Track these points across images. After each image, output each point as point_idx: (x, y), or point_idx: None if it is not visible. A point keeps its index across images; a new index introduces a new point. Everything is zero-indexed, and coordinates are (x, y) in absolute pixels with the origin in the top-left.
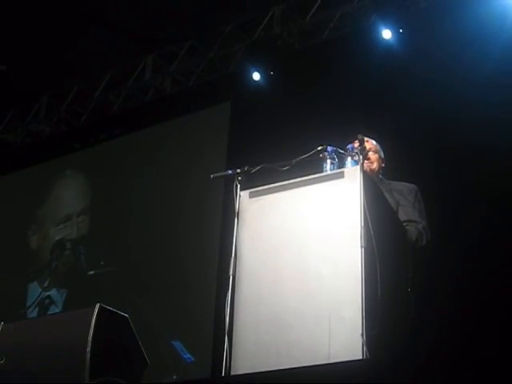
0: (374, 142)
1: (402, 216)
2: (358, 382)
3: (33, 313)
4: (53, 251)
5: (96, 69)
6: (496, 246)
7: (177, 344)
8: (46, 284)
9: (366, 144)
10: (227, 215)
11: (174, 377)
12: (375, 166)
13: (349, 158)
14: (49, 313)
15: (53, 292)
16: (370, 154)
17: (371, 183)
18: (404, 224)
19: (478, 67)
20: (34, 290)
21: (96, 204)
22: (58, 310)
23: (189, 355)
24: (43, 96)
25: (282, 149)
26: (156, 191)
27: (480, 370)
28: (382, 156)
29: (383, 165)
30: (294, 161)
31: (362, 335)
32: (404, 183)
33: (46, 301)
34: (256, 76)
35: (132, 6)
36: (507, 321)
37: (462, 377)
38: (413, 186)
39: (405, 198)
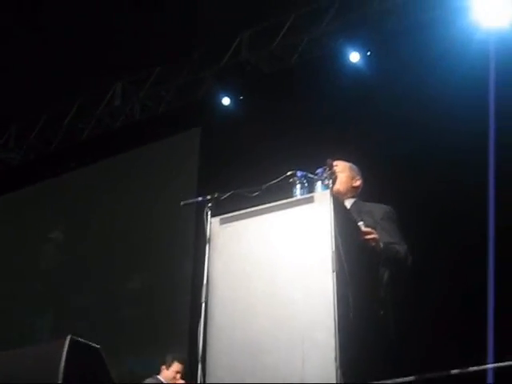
0: (340, 163)
1: (385, 237)
2: None
3: None
4: None
5: (65, 96)
6: (473, 266)
7: None
8: None
9: (335, 168)
10: (198, 242)
11: None
12: (338, 186)
13: (319, 183)
14: None
15: None
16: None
17: (341, 207)
18: (388, 245)
19: (444, 89)
20: None
21: (66, 231)
22: None
23: None
24: (12, 124)
25: (252, 174)
26: (126, 218)
27: None
28: (355, 176)
29: (355, 184)
30: (263, 186)
31: (336, 359)
32: (380, 205)
33: None
34: (226, 101)
35: (101, 33)
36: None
37: None
38: (388, 207)
39: (383, 220)
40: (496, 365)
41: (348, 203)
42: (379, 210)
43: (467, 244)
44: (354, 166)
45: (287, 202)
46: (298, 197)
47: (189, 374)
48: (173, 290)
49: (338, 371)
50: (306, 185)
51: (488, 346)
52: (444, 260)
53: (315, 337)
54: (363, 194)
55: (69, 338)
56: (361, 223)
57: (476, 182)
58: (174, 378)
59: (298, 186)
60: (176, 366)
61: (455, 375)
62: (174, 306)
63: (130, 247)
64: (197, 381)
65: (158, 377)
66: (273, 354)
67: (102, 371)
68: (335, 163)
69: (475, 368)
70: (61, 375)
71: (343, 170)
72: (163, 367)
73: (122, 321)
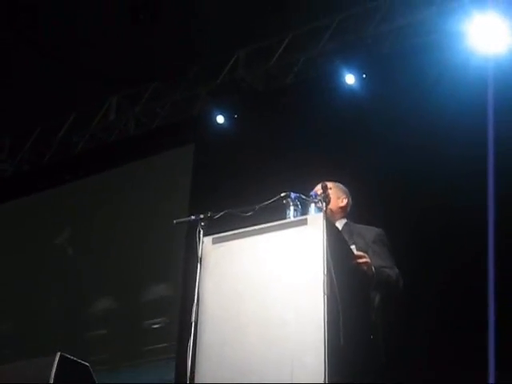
0: (334, 185)
1: (376, 261)
2: None
3: None
4: None
5: (60, 109)
6: (467, 289)
7: None
8: None
9: (328, 190)
10: (190, 261)
11: None
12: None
13: (312, 205)
14: None
15: None
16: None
17: (334, 230)
18: (380, 269)
19: (440, 113)
20: None
21: (57, 245)
22: None
23: None
24: (6, 136)
25: (246, 193)
26: (117, 234)
27: None
28: (340, 195)
29: (342, 204)
30: (257, 207)
31: (325, 382)
32: (371, 227)
33: None
34: (220, 119)
35: (97, 48)
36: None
37: None
38: (380, 230)
39: (374, 243)
40: None
41: (339, 224)
42: (371, 232)
43: (460, 267)
44: (341, 186)
45: (280, 224)
46: (292, 218)
47: None
48: (162, 309)
49: None
50: (300, 206)
51: (489, 372)
52: (436, 283)
53: (305, 359)
54: (354, 216)
55: (58, 354)
56: (353, 247)
57: (471, 207)
58: None
59: (292, 208)
60: None
61: None
62: (163, 326)
63: (119, 263)
64: None
65: None
66: (262, 374)
67: None
68: (329, 185)
69: None
70: None
71: (334, 193)
72: None
73: (105, 339)
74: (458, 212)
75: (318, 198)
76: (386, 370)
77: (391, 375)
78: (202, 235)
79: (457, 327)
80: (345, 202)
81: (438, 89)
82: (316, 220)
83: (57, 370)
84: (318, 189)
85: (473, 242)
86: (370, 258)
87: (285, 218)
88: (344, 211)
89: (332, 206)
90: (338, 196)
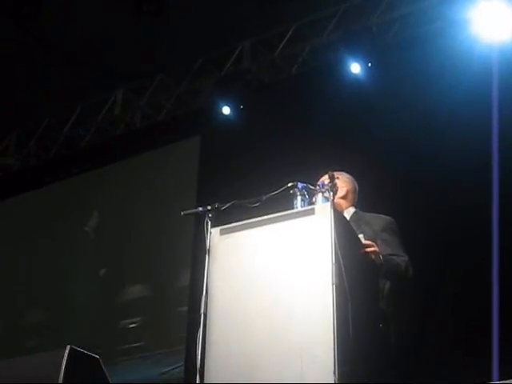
0: (341, 173)
1: (385, 249)
2: None
3: None
4: None
5: (66, 103)
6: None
7: None
8: None
9: (336, 180)
10: (198, 252)
11: None
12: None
13: (319, 195)
14: None
15: None
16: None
17: (342, 220)
18: (388, 257)
19: (445, 100)
20: None
21: (62, 240)
22: None
23: None
24: (12, 131)
25: (253, 184)
26: (125, 227)
27: None
28: (352, 187)
29: (353, 195)
30: (264, 197)
31: (334, 373)
32: (380, 215)
33: None
34: (226, 110)
35: (102, 41)
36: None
37: None
38: (389, 218)
39: (383, 231)
40: (502, 382)
41: (348, 213)
42: (380, 221)
43: (471, 254)
44: (351, 177)
45: (288, 214)
46: (299, 208)
47: None
48: (170, 300)
49: None
50: (307, 196)
51: (493, 362)
52: (447, 270)
53: (314, 350)
54: (363, 205)
55: (68, 347)
56: (361, 235)
57: (478, 193)
58: None
59: (299, 198)
60: None
61: None
62: (171, 317)
63: (128, 256)
64: None
65: None
66: (271, 366)
67: (102, 381)
68: (336, 175)
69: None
70: None
71: (341, 181)
72: None
73: (119, 330)
74: (465, 197)
75: (326, 187)
76: (396, 360)
77: (403, 364)
78: (209, 226)
79: (471, 317)
80: (344, 190)
81: (443, 77)
82: (323, 209)
83: (67, 362)
84: (325, 178)
85: (486, 228)
86: (379, 247)
87: (292, 208)
88: (354, 201)
89: (343, 196)
90: (348, 187)
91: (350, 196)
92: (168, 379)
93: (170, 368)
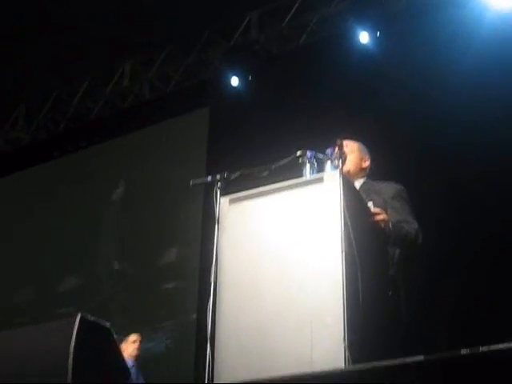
0: (349, 143)
1: (395, 216)
2: None
3: None
4: None
5: (74, 76)
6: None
7: None
8: None
9: (344, 148)
10: (207, 221)
11: None
12: (348, 167)
13: (328, 163)
14: None
15: None
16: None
17: (351, 188)
18: (398, 224)
19: (454, 69)
20: None
21: (73, 211)
22: None
23: None
24: (21, 104)
25: (262, 153)
26: (135, 198)
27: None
28: (363, 156)
29: (365, 165)
30: (273, 166)
31: (344, 340)
32: (391, 183)
33: None
34: (234, 81)
35: (110, 13)
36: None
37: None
38: (399, 185)
39: (393, 199)
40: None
41: (358, 183)
42: (390, 188)
43: (484, 220)
44: (363, 147)
45: (296, 182)
46: (308, 177)
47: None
48: (180, 269)
49: (347, 352)
50: (316, 165)
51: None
52: (461, 238)
53: (324, 317)
54: (373, 174)
55: (79, 316)
56: (370, 204)
57: (488, 156)
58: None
59: (308, 166)
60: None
61: (466, 355)
62: (181, 287)
63: (138, 227)
64: (205, 360)
65: None
66: (281, 334)
67: (113, 350)
68: (345, 143)
69: (485, 349)
70: (71, 354)
71: (353, 151)
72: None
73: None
74: (474, 165)
75: (334, 155)
76: (406, 326)
77: (410, 331)
78: (218, 196)
79: (482, 284)
80: (367, 163)
81: (453, 45)
82: (332, 177)
83: (77, 331)
84: (334, 146)
85: (499, 192)
86: (389, 215)
87: (301, 177)
88: (365, 172)
89: (355, 166)
90: (361, 157)
91: (361, 164)
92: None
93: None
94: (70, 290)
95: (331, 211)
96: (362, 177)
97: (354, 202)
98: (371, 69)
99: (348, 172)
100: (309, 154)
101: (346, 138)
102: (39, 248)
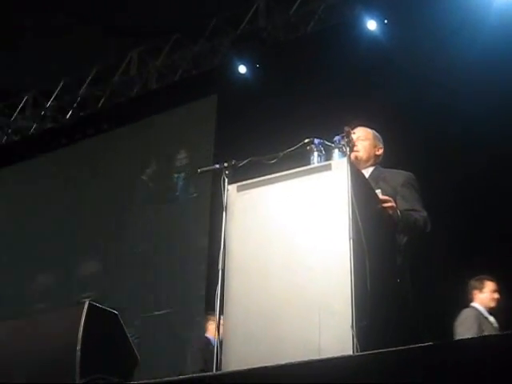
0: (364, 130)
1: (403, 204)
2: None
3: None
4: None
5: (81, 65)
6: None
7: None
8: None
9: (353, 135)
10: (215, 209)
11: None
12: (361, 154)
13: (336, 150)
14: None
15: None
16: (358, 142)
17: (359, 175)
18: (406, 212)
19: (462, 56)
20: None
21: (83, 197)
22: None
23: None
24: (28, 93)
25: (269, 141)
26: (142, 186)
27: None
28: (377, 144)
29: (378, 152)
30: (281, 154)
31: (352, 327)
32: (400, 171)
33: None
34: (242, 69)
35: (117, 1)
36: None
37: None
38: (409, 173)
39: (403, 187)
40: None
41: (368, 170)
42: (399, 176)
43: (495, 209)
44: (377, 134)
45: (304, 170)
46: (316, 164)
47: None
48: (190, 256)
49: (355, 339)
50: (324, 152)
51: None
52: (470, 225)
53: (332, 304)
54: (383, 161)
55: (87, 303)
56: (378, 191)
57: (497, 143)
58: (492, 298)
59: (316, 154)
60: (490, 285)
61: (470, 342)
62: (190, 274)
63: (145, 214)
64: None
65: (474, 304)
66: (289, 321)
67: (121, 336)
68: (357, 129)
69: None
70: (79, 341)
71: (367, 138)
72: (475, 292)
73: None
74: (487, 149)
75: (342, 142)
76: (413, 314)
77: (417, 319)
78: (226, 183)
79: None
80: (381, 150)
81: (461, 32)
82: (340, 165)
83: (86, 318)
84: (342, 134)
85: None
86: (397, 203)
87: (309, 165)
88: (377, 159)
89: (369, 154)
90: (375, 144)
91: (374, 151)
92: None
93: None
94: (90, 276)
95: (339, 199)
96: (373, 164)
97: (362, 190)
98: (378, 56)
99: (361, 159)
100: (317, 141)
101: (360, 124)
102: (56, 234)
